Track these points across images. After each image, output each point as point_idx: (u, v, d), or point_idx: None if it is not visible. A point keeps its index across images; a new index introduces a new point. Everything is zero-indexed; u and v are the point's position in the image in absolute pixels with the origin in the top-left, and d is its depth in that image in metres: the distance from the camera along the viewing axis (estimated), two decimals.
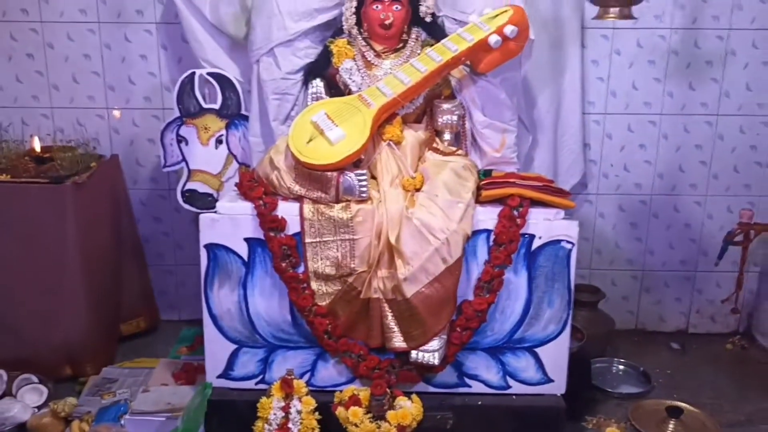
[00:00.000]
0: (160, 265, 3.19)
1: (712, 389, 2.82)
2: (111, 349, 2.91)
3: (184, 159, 2.65)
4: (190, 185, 2.67)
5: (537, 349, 2.32)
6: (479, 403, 2.31)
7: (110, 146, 3.02)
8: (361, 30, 2.42)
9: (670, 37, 2.92)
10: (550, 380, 2.34)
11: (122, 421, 2.35)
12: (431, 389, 2.31)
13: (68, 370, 2.75)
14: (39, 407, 2.54)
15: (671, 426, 2.54)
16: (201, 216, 2.22)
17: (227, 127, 2.64)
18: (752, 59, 2.94)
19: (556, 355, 2.33)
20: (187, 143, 2.64)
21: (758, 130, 3.02)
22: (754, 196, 3.07)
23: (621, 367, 2.97)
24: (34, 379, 2.63)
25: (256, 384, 2.32)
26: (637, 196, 3.11)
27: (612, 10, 2.23)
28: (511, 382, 2.34)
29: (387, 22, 2.33)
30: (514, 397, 2.34)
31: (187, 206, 2.68)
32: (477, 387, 2.34)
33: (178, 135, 2.64)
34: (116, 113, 3.04)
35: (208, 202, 2.63)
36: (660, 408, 2.61)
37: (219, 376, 2.33)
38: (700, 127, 3.03)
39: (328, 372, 2.32)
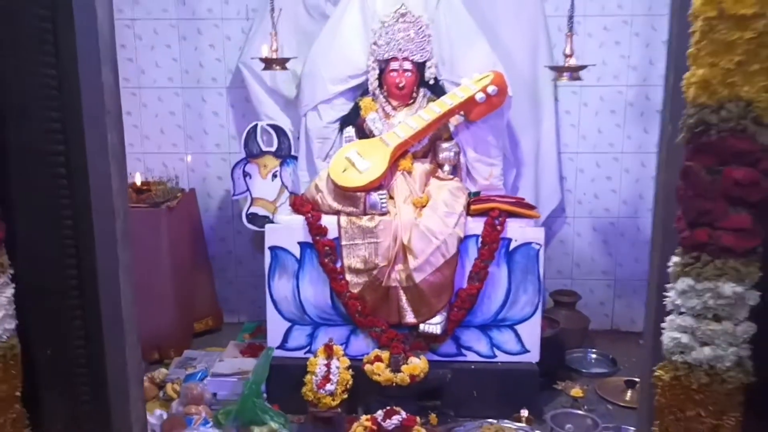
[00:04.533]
0: (224, 277, 4.16)
1: None
2: (188, 340, 3.85)
3: (248, 189, 3.62)
4: (252, 209, 3.63)
5: (516, 327, 3.19)
6: (472, 367, 3.19)
7: (188, 182, 4.04)
8: (382, 90, 3.40)
9: (626, 92, 3.89)
10: (527, 351, 3.20)
11: (205, 382, 3.28)
12: (436, 357, 3.18)
13: (156, 354, 3.67)
14: None
15: (628, 394, 3.38)
16: (267, 226, 3.21)
17: (281, 164, 3.60)
18: None
19: (532, 331, 3.20)
20: (250, 177, 3.61)
21: None
22: None
23: (593, 355, 3.80)
24: None
25: (305, 353, 3.21)
26: (606, 219, 4.03)
27: (564, 74, 3.19)
28: (497, 352, 3.21)
29: (401, 84, 3.32)
30: (499, 363, 3.20)
31: (250, 226, 3.64)
32: (471, 356, 3.21)
33: (244, 171, 3.61)
34: (188, 158, 4.07)
35: (265, 223, 3.57)
36: (620, 382, 3.46)
37: (277, 347, 3.23)
38: (654, 162, 3.94)
39: (359, 344, 3.21)
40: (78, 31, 1.29)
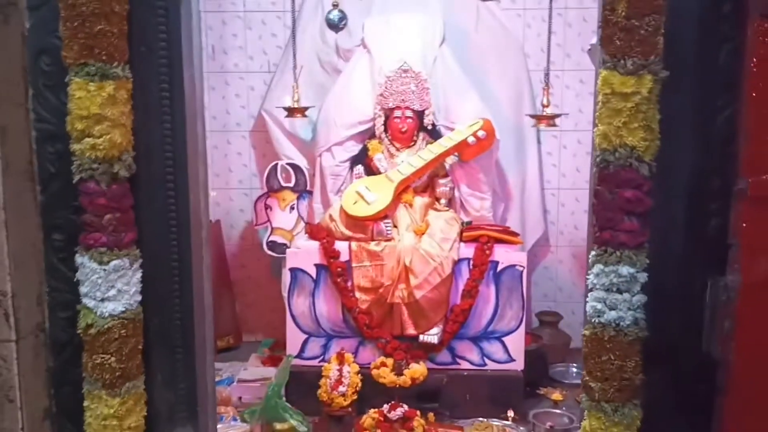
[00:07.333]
0: (244, 299, 4.85)
1: None
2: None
3: (269, 220, 4.33)
4: (272, 238, 4.33)
5: (504, 338, 3.87)
6: (465, 374, 3.85)
7: (213, 214, 4.72)
8: (387, 134, 4.12)
9: None
10: (513, 360, 3.87)
11: (231, 387, 3.92)
12: (433, 366, 3.85)
13: None
14: None
15: None
16: (288, 250, 3.92)
17: (298, 198, 4.32)
18: None
19: (517, 342, 3.88)
20: (271, 209, 4.32)
21: None
22: None
23: (574, 369, 4.45)
24: None
25: (319, 362, 3.88)
26: (585, 248, 4.68)
27: (542, 121, 3.90)
28: (487, 361, 3.88)
29: (403, 129, 4.05)
30: (489, 371, 3.87)
31: (270, 252, 4.33)
32: (464, 364, 3.87)
33: (265, 204, 4.32)
34: (213, 193, 4.76)
35: (284, 250, 4.24)
36: None
37: (295, 357, 3.90)
38: None
39: (366, 353, 3.86)
40: (186, 98, 2.00)
